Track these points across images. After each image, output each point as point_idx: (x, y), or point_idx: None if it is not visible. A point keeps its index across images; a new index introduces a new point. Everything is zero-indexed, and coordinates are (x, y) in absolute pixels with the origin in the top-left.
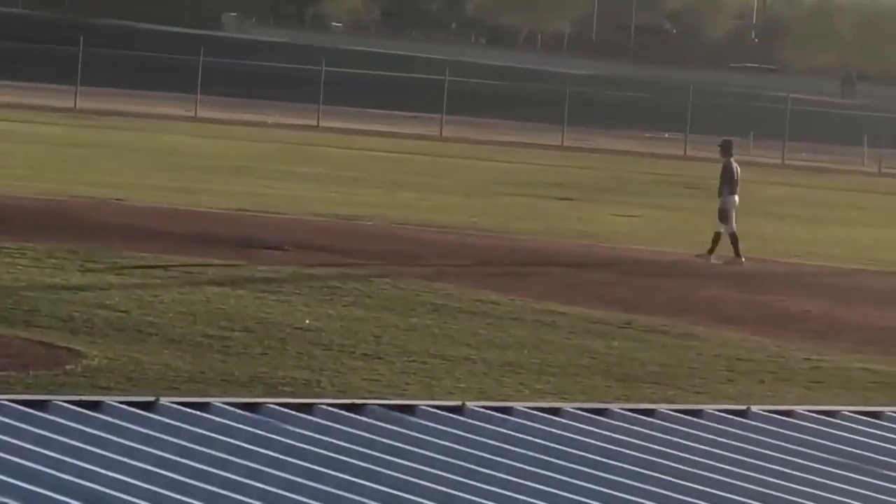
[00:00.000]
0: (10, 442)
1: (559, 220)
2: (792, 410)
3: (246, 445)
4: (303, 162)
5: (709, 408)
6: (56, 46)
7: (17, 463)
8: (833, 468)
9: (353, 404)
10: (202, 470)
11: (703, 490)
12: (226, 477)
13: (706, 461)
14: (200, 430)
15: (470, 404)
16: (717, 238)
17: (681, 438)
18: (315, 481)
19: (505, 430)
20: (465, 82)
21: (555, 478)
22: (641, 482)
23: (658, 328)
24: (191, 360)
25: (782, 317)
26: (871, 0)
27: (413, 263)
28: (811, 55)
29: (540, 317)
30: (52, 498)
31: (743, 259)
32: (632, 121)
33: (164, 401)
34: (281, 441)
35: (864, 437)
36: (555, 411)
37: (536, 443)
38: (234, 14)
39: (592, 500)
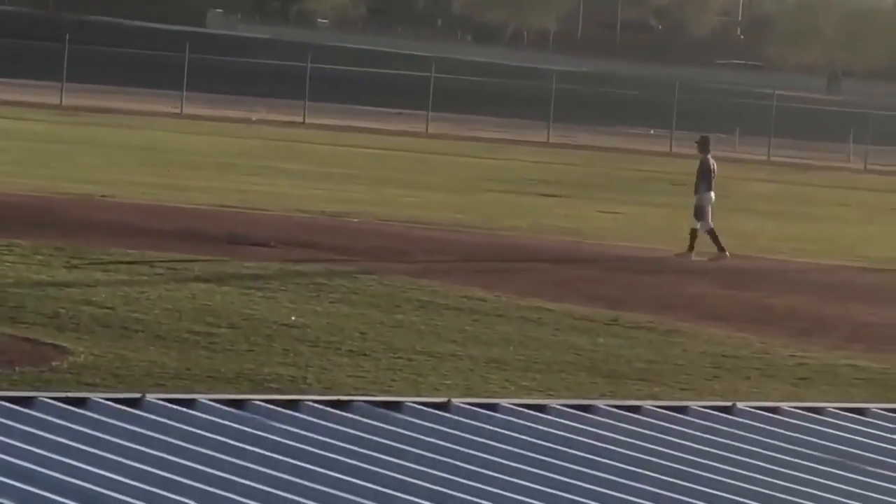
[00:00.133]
0: None
1: (545, 217)
2: (777, 407)
3: (232, 442)
4: (289, 158)
5: (694, 404)
6: (42, 43)
7: (2, 460)
8: (818, 465)
9: (339, 401)
10: (188, 466)
11: (688, 486)
12: (211, 474)
13: (692, 458)
14: (186, 427)
15: (456, 401)
16: (694, 234)
17: (666, 435)
18: (301, 478)
19: (491, 427)
20: (450, 79)
21: (540, 474)
22: (627, 479)
23: (643, 325)
24: (177, 356)
25: (767, 313)
26: None
27: (399, 260)
28: (797, 52)
29: (525, 313)
30: (38, 495)
31: (727, 253)
32: (617, 117)
33: (150, 397)
34: (267, 438)
35: (850, 433)
36: (540, 408)
37: (522, 439)
38: (220, 11)
39: (578, 496)
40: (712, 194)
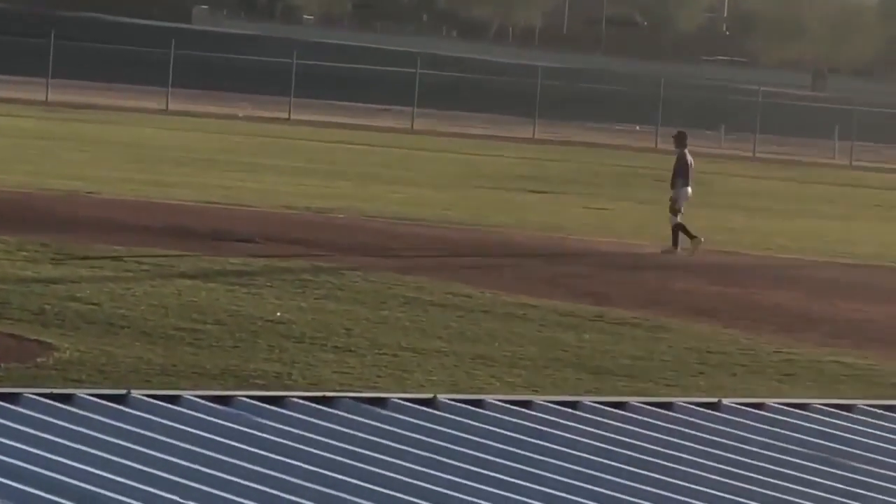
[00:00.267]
0: None
1: (530, 213)
2: (763, 403)
3: (217, 438)
4: (274, 155)
5: (680, 400)
6: (27, 39)
7: None
8: (804, 461)
9: (324, 397)
10: (173, 462)
11: (673, 482)
12: (196, 469)
13: (677, 454)
14: (172, 423)
15: (441, 397)
16: (677, 229)
17: (652, 431)
18: (286, 474)
19: (476, 423)
20: (436, 75)
21: (526, 470)
22: (612, 475)
23: (629, 321)
24: (162, 352)
25: (753, 310)
26: None
27: (385, 256)
28: (782, 48)
29: (511, 309)
30: (23, 491)
31: (678, 250)
32: (603, 114)
33: (135, 393)
34: (252, 434)
35: (835, 429)
36: (526, 404)
37: (508, 435)
38: (206, 7)
39: (563, 492)
40: (689, 189)
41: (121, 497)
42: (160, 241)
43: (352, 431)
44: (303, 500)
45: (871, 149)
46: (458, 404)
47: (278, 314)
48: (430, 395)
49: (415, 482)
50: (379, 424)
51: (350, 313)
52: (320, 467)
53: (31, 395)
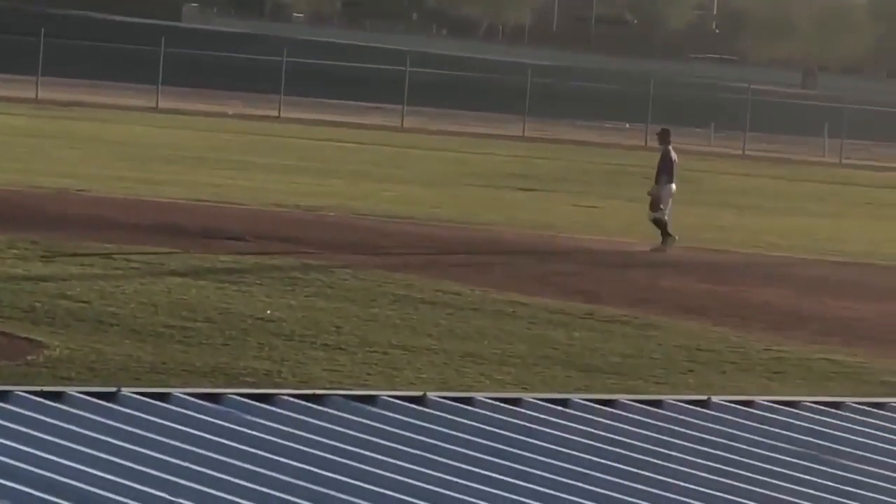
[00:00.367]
0: None
1: (520, 211)
2: (752, 401)
3: (207, 436)
4: (264, 153)
5: (669, 398)
6: (17, 37)
7: None
8: (793, 458)
9: (314, 395)
10: (163, 460)
11: (663, 480)
12: (186, 467)
13: (667, 451)
14: (161, 421)
15: (431, 395)
16: (662, 226)
17: (641, 429)
18: (275, 471)
19: (466, 421)
20: (426, 73)
21: (515, 468)
22: (602, 472)
23: (619, 318)
24: (152, 350)
25: (743, 307)
26: None
27: (374, 254)
28: (772, 46)
29: (501, 307)
30: (12, 488)
31: (650, 248)
32: (593, 111)
33: (125, 391)
34: (242, 432)
35: (825, 427)
36: (516, 402)
37: (497, 433)
38: (195, 5)
39: (553, 490)
40: (673, 186)
41: (110, 494)
42: (150, 238)
43: (341, 429)
44: (292, 498)
45: (860, 146)
46: (448, 402)
47: (268, 312)
48: (419, 393)
49: (404, 480)
50: (368, 422)
51: (340, 311)
52: (310, 465)
53: (21, 393)
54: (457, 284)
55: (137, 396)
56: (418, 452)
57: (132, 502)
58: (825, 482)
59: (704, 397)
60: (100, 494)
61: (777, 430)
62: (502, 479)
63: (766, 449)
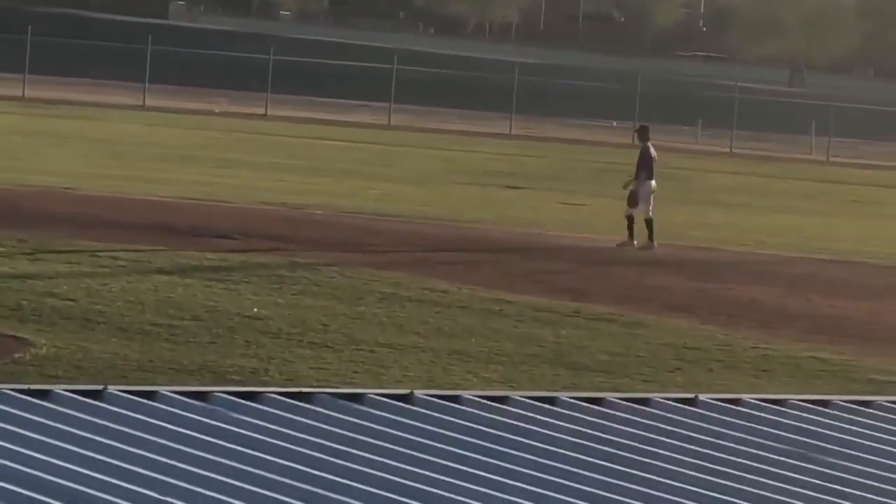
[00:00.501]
0: None
1: (507, 209)
2: (740, 399)
3: (194, 434)
4: (251, 151)
5: (657, 396)
6: (4, 35)
7: None
8: (780, 456)
9: (300, 393)
10: (150, 458)
11: (651, 478)
12: (173, 465)
13: (654, 449)
14: (148, 419)
15: (418, 393)
16: (649, 223)
17: (629, 427)
18: (262, 469)
19: (453, 419)
20: (413, 71)
21: (503, 466)
22: (589, 470)
23: (606, 317)
24: (139, 348)
25: (730, 305)
26: None
27: (362, 252)
28: (759, 44)
29: (488, 305)
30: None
31: (635, 243)
32: (580, 109)
33: (111, 389)
34: (229, 430)
35: (812, 425)
36: (503, 400)
37: (484, 431)
38: (182, 2)
39: (540, 487)
40: (654, 183)
41: (97, 492)
42: (137, 236)
43: (328, 427)
44: (280, 496)
45: (848, 144)
46: (435, 400)
47: (255, 310)
48: (406, 391)
49: (392, 477)
50: (355, 420)
51: (327, 309)
52: (297, 463)
53: (7, 391)
54: (444, 282)
55: (124, 395)
56: (405, 450)
57: (119, 500)
58: (812, 480)
59: (692, 395)
60: (87, 493)
61: (764, 428)
62: (489, 477)
63: (753, 447)
